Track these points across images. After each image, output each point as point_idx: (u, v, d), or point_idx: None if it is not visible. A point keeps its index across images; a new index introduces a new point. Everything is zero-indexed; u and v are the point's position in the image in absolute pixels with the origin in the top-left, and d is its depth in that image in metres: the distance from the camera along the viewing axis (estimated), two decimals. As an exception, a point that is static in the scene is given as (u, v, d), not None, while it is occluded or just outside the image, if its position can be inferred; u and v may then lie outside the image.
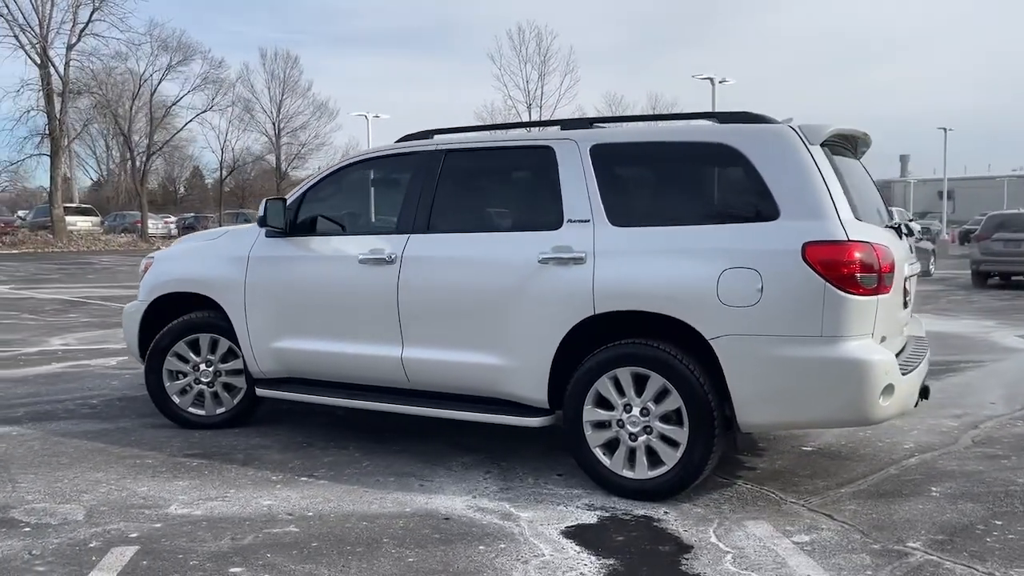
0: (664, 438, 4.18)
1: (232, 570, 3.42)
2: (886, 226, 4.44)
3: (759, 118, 4.33)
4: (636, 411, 4.23)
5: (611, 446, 4.33)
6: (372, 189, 5.42)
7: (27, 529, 3.85)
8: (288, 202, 5.32)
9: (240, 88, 43.90)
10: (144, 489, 4.42)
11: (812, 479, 4.62)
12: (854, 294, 3.87)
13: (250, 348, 5.35)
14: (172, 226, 42.45)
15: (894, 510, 4.12)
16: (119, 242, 36.92)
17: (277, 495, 4.33)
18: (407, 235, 4.87)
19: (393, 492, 4.39)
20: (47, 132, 34.34)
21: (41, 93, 33.57)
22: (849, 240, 3.90)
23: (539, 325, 4.41)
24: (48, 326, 11.10)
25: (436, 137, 5.14)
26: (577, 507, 4.17)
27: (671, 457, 4.17)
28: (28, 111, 33.78)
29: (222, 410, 5.67)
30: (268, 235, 5.34)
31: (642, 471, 4.23)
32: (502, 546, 3.67)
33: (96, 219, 40.03)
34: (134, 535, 3.78)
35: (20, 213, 45.54)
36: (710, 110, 5.15)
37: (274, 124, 44.51)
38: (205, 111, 39.73)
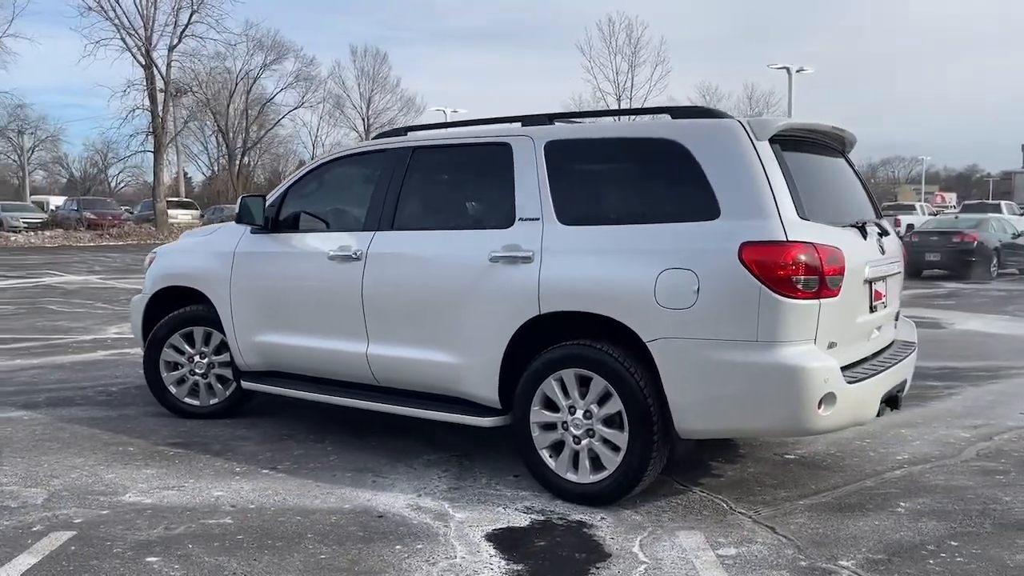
0: (606, 442, 4.08)
1: (148, 559, 3.52)
2: (852, 225, 4.19)
3: (711, 113, 4.15)
4: (579, 413, 4.14)
5: (557, 448, 4.25)
6: (347, 186, 5.47)
7: (-15, 511, 4.07)
8: (272, 199, 5.44)
9: (331, 84, 45.07)
10: (112, 476, 4.60)
11: (776, 489, 4.42)
12: (791, 297, 3.67)
13: (235, 341, 5.49)
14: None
15: (845, 525, 3.90)
16: (217, 234, 38.40)
17: (231, 486, 4.43)
18: (373, 232, 4.90)
19: (344, 487, 4.43)
20: (151, 130, 36.07)
21: (145, 93, 35.26)
22: (788, 241, 3.70)
23: (489, 324, 4.37)
24: (113, 315, 11.67)
25: (410, 134, 5.15)
26: (516, 510, 4.11)
27: (612, 462, 4.06)
28: (133, 110, 35.55)
29: (215, 401, 5.85)
30: (252, 232, 5.46)
31: (585, 475, 4.14)
32: (419, 547, 3.66)
33: (196, 212, 41.79)
34: (78, 520, 3.94)
35: (127, 207, 48.04)
36: (709, 105, 4.98)
37: (364, 119, 45.50)
38: (297, 107, 41.04)
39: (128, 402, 6.35)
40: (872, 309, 4.25)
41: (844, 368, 3.90)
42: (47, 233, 34.38)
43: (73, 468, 4.73)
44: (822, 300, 3.74)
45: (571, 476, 4.18)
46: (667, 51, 62.38)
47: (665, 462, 4.13)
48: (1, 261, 23.03)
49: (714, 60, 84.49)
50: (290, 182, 5.53)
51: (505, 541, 3.73)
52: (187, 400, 5.88)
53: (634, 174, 4.29)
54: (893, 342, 4.72)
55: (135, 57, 34.92)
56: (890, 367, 4.24)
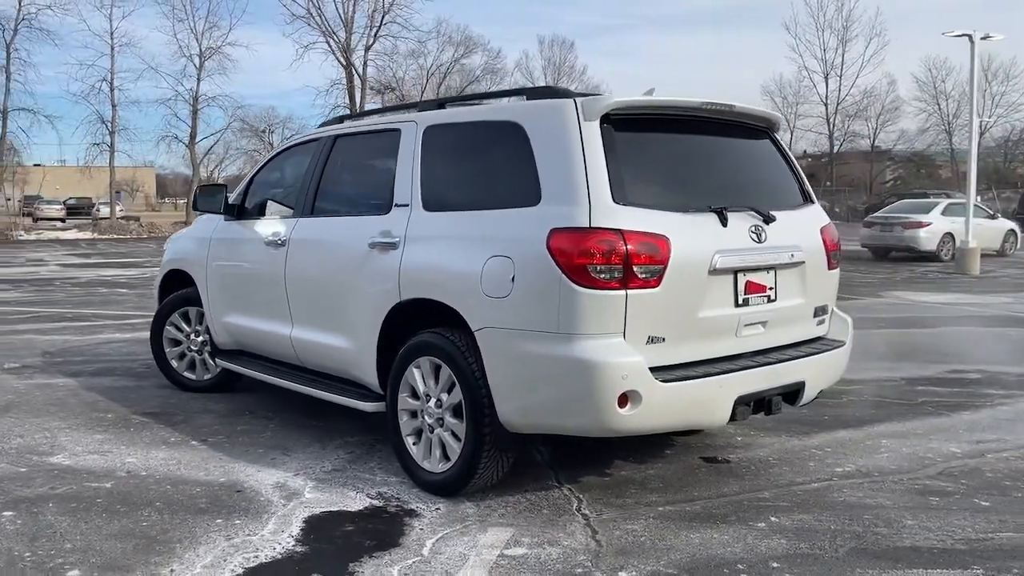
0: (453, 432, 4.00)
1: (5, 513, 3.90)
2: (714, 210, 3.77)
3: (558, 93, 3.91)
4: (432, 402, 4.09)
5: (419, 436, 4.22)
6: (292, 174, 5.66)
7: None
8: (240, 187, 5.76)
9: (517, 75, 45.88)
10: (65, 439, 5.10)
11: (653, 492, 4.12)
12: (589, 287, 3.41)
13: (211, 321, 5.89)
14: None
15: (677, 536, 3.59)
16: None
17: (147, 455, 4.78)
18: (297, 219, 5.07)
19: (241, 462, 4.64)
20: (350, 125, 38.65)
21: (345, 91, 37.80)
22: (590, 228, 3.44)
23: (367, 310, 4.40)
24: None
25: (346, 122, 5.26)
26: (367, 495, 4.12)
27: (454, 452, 3.98)
28: (334, 108, 38.22)
29: (208, 376, 6.29)
30: (225, 219, 5.82)
31: (435, 464, 4.09)
32: (237, 522, 3.78)
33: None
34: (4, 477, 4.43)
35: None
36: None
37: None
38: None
39: (149, 375, 6.93)
40: (741, 303, 3.84)
41: (676, 366, 3.57)
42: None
43: (44, 430, 5.29)
44: (630, 291, 3.44)
45: (426, 465, 4.14)
46: (883, 23, 57.73)
47: (511, 455, 3.97)
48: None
49: (944, 28, 76.66)
50: (255, 170, 5.82)
51: (320, 523, 3.77)
52: (186, 374, 6.36)
53: (482, 158, 4.14)
54: (809, 340, 4.24)
55: (337, 58, 37.50)
56: (762, 367, 3.82)
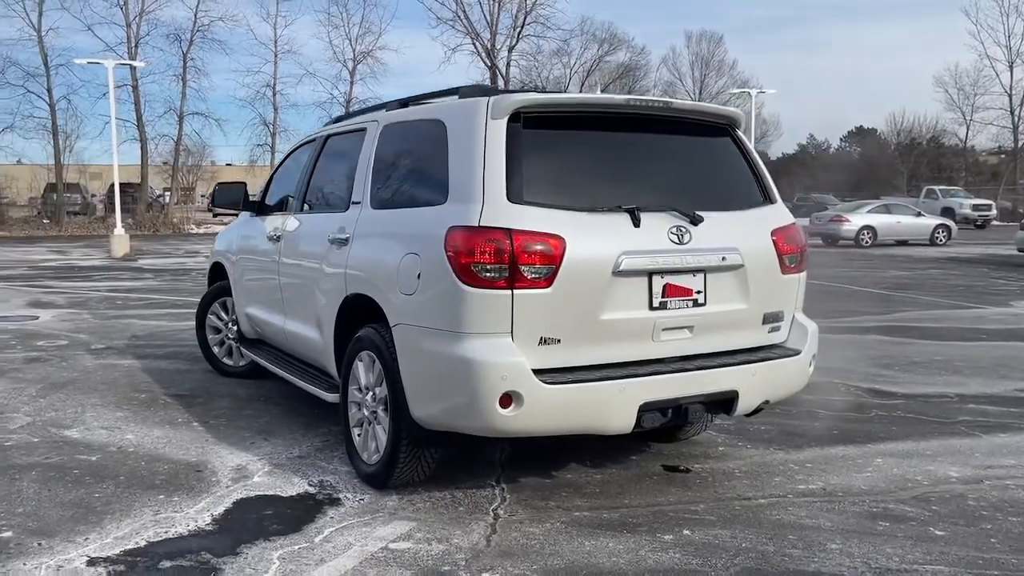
0: (383, 426, 4.08)
1: (-9, 476, 4.35)
2: (626, 210, 3.63)
3: (486, 91, 3.88)
4: (370, 395, 4.18)
5: (361, 427, 4.32)
6: (297, 171, 5.88)
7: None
8: (265, 183, 6.10)
9: (662, 71, 45.10)
10: (90, 415, 5.57)
11: (587, 497, 4.04)
12: (474, 286, 3.39)
13: (237, 311, 6.25)
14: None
15: (568, 541, 3.51)
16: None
17: (147, 433, 5.15)
18: (291, 215, 5.31)
19: (223, 445, 4.91)
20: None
21: (488, 91, 38.52)
22: (477, 227, 3.41)
23: (326, 304, 4.56)
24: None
25: (342, 122, 5.44)
26: (308, 482, 4.26)
27: (382, 446, 4.06)
28: (478, 108, 38.97)
29: (243, 363, 6.66)
30: (249, 216, 6.16)
31: (370, 456, 4.18)
32: (175, 499, 4.01)
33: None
34: (9, 444, 4.91)
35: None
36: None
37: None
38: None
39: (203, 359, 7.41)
40: (658, 306, 3.68)
41: (574, 369, 3.49)
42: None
43: (79, 405, 5.81)
44: (517, 291, 3.38)
45: (364, 456, 4.24)
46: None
47: (433, 451, 3.99)
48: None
49: None
50: (275, 168, 6.12)
51: (246, 506, 3.94)
52: (224, 360, 6.78)
53: (415, 156, 4.17)
54: (757, 348, 4.00)
55: (482, 59, 38.26)
56: (677, 373, 3.65)
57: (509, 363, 3.38)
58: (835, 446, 4.94)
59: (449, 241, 3.50)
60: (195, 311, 7.01)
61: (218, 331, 6.81)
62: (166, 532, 3.64)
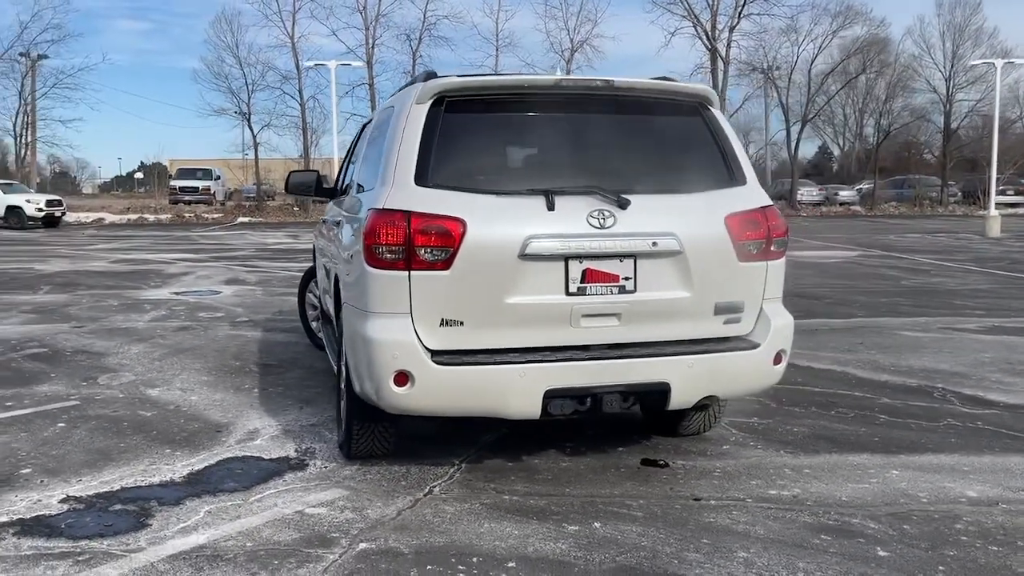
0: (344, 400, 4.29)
1: (58, 424, 5.06)
2: (540, 192, 3.53)
3: (431, 76, 3.93)
4: (345, 374, 4.41)
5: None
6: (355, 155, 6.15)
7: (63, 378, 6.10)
8: (339, 169, 6.53)
9: (907, 43, 41.13)
10: (178, 379, 6.26)
11: (533, 483, 4.01)
12: (376, 267, 3.51)
13: (318, 291, 6.75)
14: (822, 194, 42.72)
15: (470, 523, 3.53)
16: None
17: (209, 396, 5.71)
18: (343, 197, 5.65)
19: (260, 411, 5.34)
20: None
21: (709, 75, 37.45)
22: (381, 209, 3.51)
23: (333, 285, 4.85)
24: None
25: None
26: (297, 448, 4.56)
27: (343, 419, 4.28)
28: (697, 91, 37.99)
29: (333, 338, 7.20)
30: (332, 202, 6.61)
31: (340, 428, 4.41)
32: (177, 453, 4.48)
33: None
34: (98, 397, 5.70)
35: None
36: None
37: (945, 80, 40.18)
38: (857, 76, 38.85)
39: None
40: (576, 292, 3.55)
41: (477, 351, 3.50)
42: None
43: (180, 368, 6.56)
44: (414, 272, 3.44)
45: (341, 427, 4.48)
46: None
47: (387, 425, 4.13)
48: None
49: None
50: (348, 152, 6.50)
51: (225, 465, 4.31)
52: (320, 334, 7.33)
53: (376, 143, 4.30)
54: (704, 339, 3.75)
55: (703, 42, 37.24)
56: (593, 360, 3.52)
57: (400, 341, 3.47)
58: (859, 453, 4.49)
59: (366, 224, 3.63)
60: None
61: (315, 307, 7.36)
62: (141, 481, 4.10)
